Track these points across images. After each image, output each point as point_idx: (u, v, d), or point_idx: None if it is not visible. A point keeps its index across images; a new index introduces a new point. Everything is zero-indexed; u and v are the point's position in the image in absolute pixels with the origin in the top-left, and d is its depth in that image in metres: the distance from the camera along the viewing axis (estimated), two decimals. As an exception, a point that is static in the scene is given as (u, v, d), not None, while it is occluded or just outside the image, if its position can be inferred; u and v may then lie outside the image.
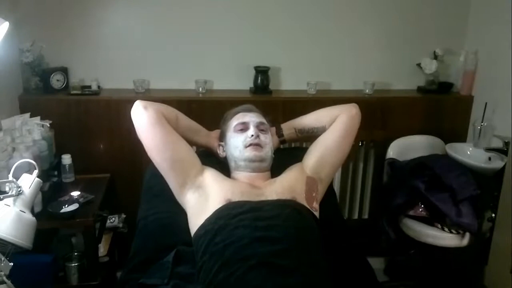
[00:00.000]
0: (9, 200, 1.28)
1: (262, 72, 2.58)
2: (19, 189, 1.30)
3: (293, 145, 2.10)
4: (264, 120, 1.74)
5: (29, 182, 1.32)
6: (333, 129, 1.76)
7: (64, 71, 2.46)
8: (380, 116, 2.63)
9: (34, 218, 1.32)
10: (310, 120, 1.83)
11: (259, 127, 1.69)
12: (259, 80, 2.59)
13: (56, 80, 2.42)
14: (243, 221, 1.39)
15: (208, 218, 1.46)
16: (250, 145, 1.63)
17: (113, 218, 2.39)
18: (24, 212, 1.29)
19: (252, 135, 1.64)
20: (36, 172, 1.34)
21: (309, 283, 1.28)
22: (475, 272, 2.45)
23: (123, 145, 2.45)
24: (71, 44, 2.47)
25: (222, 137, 1.77)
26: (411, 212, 2.37)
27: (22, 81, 2.37)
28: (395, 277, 2.78)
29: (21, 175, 1.34)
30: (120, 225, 2.40)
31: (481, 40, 2.65)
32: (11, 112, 2.20)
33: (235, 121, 1.71)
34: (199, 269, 1.37)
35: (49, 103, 2.37)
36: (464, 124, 2.76)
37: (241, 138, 1.66)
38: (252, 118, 1.71)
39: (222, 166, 1.73)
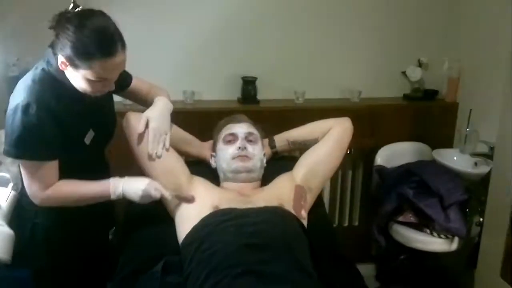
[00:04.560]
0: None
1: (249, 82, 2.60)
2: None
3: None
4: (253, 130, 1.76)
5: (5, 195, 1.32)
6: (325, 141, 1.78)
7: (52, 84, 2.44)
8: (368, 124, 2.65)
9: (12, 231, 1.32)
10: (303, 132, 1.85)
11: (248, 138, 1.71)
12: (246, 90, 2.60)
13: (43, 94, 2.40)
14: (229, 227, 1.40)
15: (195, 225, 1.47)
16: (238, 157, 1.65)
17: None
18: (3, 226, 1.28)
19: (239, 148, 1.66)
20: (11, 185, 1.35)
21: None
22: (464, 276, 2.46)
23: (110, 156, 2.43)
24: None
25: (214, 148, 1.78)
26: (401, 218, 2.38)
27: (7, 95, 2.35)
28: (387, 283, 2.78)
29: (3, 189, 1.35)
30: (110, 237, 2.38)
31: (465, 48, 2.69)
32: (-3, 126, 2.19)
33: (224, 132, 1.75)
34: (186, 277, 1.37)
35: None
36: (450, 130, 2.78)
37: (229, 150, 1.68)
38: (240, 129, 1.73)
39: (213, 175, 1.75)
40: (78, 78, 1.34)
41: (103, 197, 1.48)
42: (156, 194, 1.49)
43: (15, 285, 1.97)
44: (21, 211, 1.46)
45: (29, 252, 1.51)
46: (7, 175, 1.38)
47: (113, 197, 1.47)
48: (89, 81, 1.33)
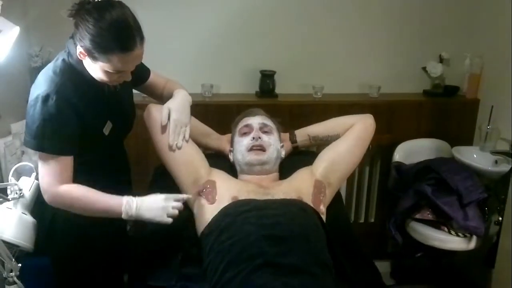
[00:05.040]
0: (10, 203, 1.30)
1: (268, 76, 2.59)
2: (20, 192, 1.32)
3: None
4: (268, 122, 1.77)
5: (28, 184, 1.34)
6: (347, 137, 1.77)
7: (72, 75, 2.47)
8: (386, 120, 2.63)
9: (34, 220, 1.34)
10: (325, 128, 1.85)
11: (263, 129, 1.72)
12: (265, 84, 2.60)
13: (64, 85, 2.43)
14: (249, 218, 1.41)
15: (215, 216, 1.48)
16: (252, 148, 1.65)
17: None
18: (26, 215, 1.31)
19: (254, 138, 1.67)
20: (34, 174, 1.37)
21: (316, 283, 1.28)
22: (482, 275, 2.44)
23: (129, 148, 2.46)
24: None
25: (231, 143, 1.80)
26: (418, 216, 2.37)
27: (30, 86, 2.39)
28: (402, 280, 2.77)
29: (26, 178, 1.37)
30: (127, 228, 2.41)
31: (487, 43, 2.65)
32: (20, 116, 2.22)
33: (240, 125, 1.76)
34: (206, 268, 1.39)
35: (57, 107, 2.39)
36: (470, 127, 2.75)
37: (244, 141, 1.70)
38: (255, 120, 1.75)
39: (231, 168, 1.76)
40: (96, 69, 1.35)
41: (114, 213, 1.40)
42: (177, 204, 1.44)
43: (37, 272, 2.01)
44: (43, 201, 1.48)
45: (49, 241, 1.53)
46: (30, 164, 1.40)
47: (124, 216, 1.39)
48: (106, 72, 1.34)
